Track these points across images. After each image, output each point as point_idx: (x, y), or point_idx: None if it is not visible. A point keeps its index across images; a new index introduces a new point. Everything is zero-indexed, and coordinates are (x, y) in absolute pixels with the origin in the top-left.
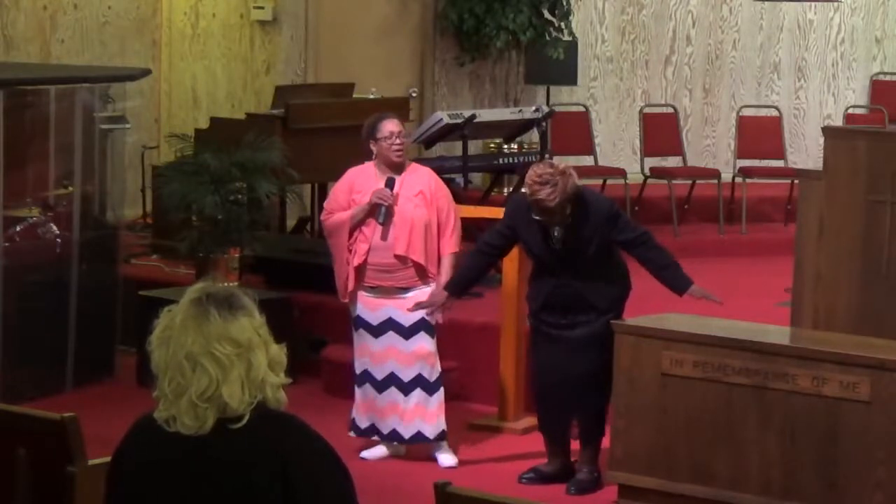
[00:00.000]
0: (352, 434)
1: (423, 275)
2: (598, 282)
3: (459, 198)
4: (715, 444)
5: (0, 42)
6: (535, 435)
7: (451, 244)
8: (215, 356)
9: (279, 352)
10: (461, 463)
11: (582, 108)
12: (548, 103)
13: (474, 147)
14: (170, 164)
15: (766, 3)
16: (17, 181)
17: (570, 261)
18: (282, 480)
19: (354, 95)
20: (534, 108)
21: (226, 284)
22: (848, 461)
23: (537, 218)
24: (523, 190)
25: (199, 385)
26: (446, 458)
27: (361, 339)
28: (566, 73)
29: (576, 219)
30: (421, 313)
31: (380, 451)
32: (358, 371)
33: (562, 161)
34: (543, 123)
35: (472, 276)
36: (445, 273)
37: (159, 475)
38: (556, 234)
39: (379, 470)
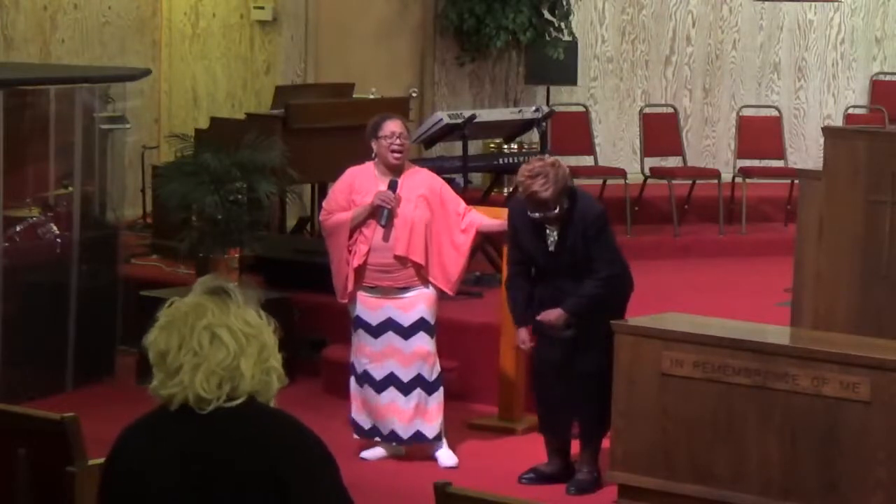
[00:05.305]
0: (355, 437)
1: (421, 275)
2: None
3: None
4: (715, 444)
5: (0, 42)
6: (535, 435)
7: (477, 214)
8: (232, 330)
9: (279, 358)
10: (461, 463)
11: (582, 108)
12: (548, 103)
13: (474, 147)
14: (170, 164)
15: (766, 3)
16: (17, 181)
17: (564, 263)
18: (274, 475)
19: (354, 95)
20: (534, 108)
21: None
22: (848, 461)
23: (534, 215)
24: (519, 190)
25: (217, 355)
26: (446, 458)
27: (360, 340)
28: (566, 73)
29: (569, 219)
30: (419, 312)
31: (379, 451)
32: (358, 371)
33: (562, 161)
34: (543, 123)
35: (525, 296)
36: (490, 224)
37: (151, 476)
38: (550, 235)
39: (379, 470)
